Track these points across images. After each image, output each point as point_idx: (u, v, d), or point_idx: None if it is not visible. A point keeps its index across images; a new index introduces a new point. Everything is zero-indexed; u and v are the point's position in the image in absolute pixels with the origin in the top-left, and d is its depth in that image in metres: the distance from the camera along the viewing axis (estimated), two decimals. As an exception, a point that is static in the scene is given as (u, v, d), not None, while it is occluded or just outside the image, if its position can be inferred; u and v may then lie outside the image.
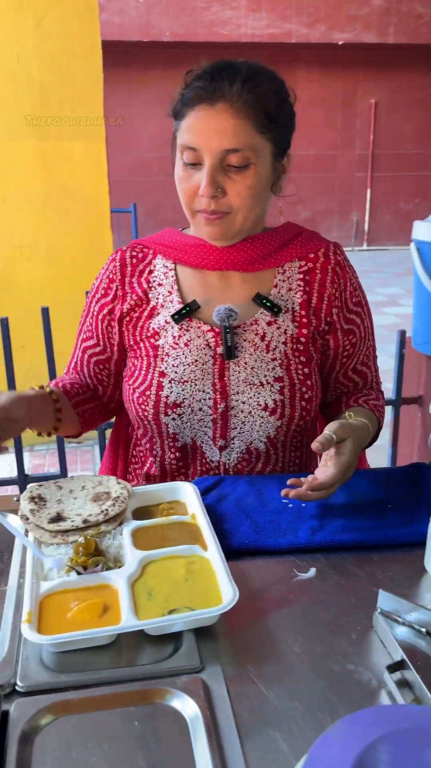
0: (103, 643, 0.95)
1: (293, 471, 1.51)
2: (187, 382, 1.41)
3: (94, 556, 1.08)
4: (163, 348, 1.44)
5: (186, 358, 1.42)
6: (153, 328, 1.46)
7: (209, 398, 1.42)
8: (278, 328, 1.44)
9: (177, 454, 1.48)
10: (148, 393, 1.43)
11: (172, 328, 1.44)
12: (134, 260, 1.50)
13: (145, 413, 1.44)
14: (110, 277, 1.50)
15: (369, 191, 12.54)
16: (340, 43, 11.20)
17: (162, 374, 1.42)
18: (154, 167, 11.11)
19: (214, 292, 1.46)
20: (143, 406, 1.44)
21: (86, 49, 3.87)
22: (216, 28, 10.72)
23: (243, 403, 1.41)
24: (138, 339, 1.47)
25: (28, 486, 1.25)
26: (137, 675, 0.90)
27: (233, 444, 1.44)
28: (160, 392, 1.42)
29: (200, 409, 1.42)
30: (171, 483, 1.32)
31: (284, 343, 1.44)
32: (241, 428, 1.43)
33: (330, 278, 1.46)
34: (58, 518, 1.15)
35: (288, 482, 1.25)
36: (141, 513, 1.25)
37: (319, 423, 1.62)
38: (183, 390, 1.41)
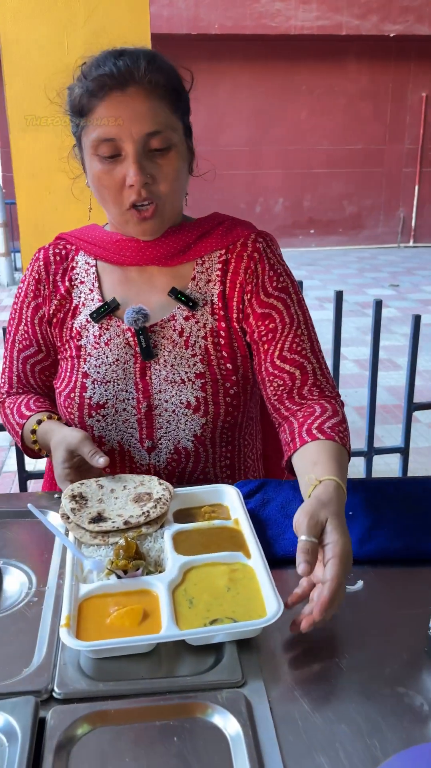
0: (142, 651, 0.92)
1: (224, 467, 1.45)
2: (110, 382, 1.37)
3: (134, 560, 1.05)
4: (85, 348, 1.40)
5: (107, 357, 1.37)
6: (75, 328, 1.41)
7: (132, 398, 1.37)
8: (197, 322, 1.37)
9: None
10: (72, 395, 1.38)
11: (93, 327, 1.39)
12: (57, 258, 1.44)
13: (72, 416, 1.39)
14: (36, 277, 1.45)
15: (417, 187, 12.27)
16: (392, 35, 10.96)
17: (85, 375, 1.38)
18: (199, 160, 11.00)
19: (134, 288, 1.40)
20: (69, 409, 1.39)
21: (136, 42, 3.84)
22: (266, 20, 10.59)
23: (166, 401, 1.36)
24: (64, 340, 1.43)
25: (71, 484, 1.23)
26: (176, 687, 0.87)
27: (161, 445, 1.38)
28: (84, 393, 1.37)
29: (124, 410, 1.37)
30: (214, 485, 1.29)
31: (204, 337, 1.37)
32: (167, 428, 1.37)
33: (245, 265, 1.37)
34: (99, 518, 1.13)
35: (289, 601, 0.98)
36: (182, 515, 1.22)
37: (265, 417, 1.53)
38: (106, 390, 1.37)
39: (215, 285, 1.38)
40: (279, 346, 1.35)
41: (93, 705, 0.84)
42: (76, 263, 1.44)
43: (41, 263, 1.45)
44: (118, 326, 1.38)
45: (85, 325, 1.40)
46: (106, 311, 1.38)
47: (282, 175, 11.62)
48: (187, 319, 1.37)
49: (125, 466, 1.42)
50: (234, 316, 1.38)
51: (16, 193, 3.42)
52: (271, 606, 0.94)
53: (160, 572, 1.04)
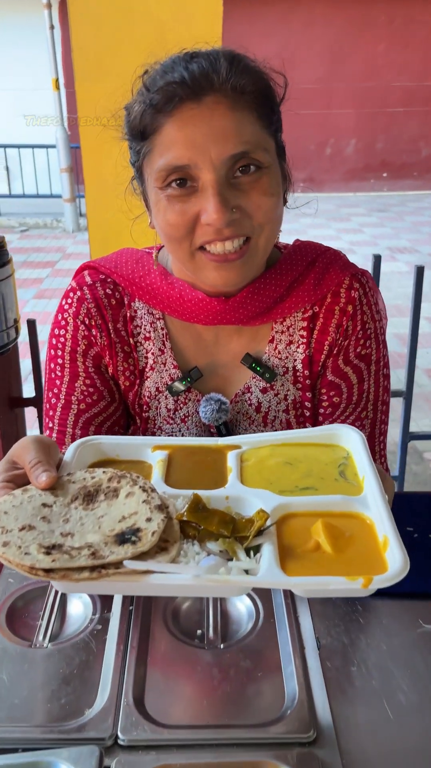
0: None
1: None
2: None
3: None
4: (154, 421, 1.19)
5: (181, 434, 1.18)
6: (144, 397, 1.18)
7: None
8: (276, 394, 1.18)
9: None
10: None
11: (166, 399, 1.18)
12: (113, 301, 1.16)
13: None
14: (85, 321, 1.15)
15: None
16: None
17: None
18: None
19: (208, 352, 1.18)
20: None
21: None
22: None
23: None
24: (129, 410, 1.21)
25: None
26: (243, 740, 0.83)
27: None
28: None
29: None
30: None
31: (285, 411, 1.18)
32: None
33: (336, 322, 1.15)
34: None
35: None
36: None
37: None
38: None
39: (298, 348, 1.18)
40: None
41: (158, 757, 0.81)
42: (136, 312, 1.17)
43: (91, 305, 1.15)
44: (197, 400, 1.18)
45: (156, 395, 1.19)
46: (188, 384, 1.16)
47: (354, 114, 11.04)
48: (264, 391, 1.18)
49: None
50: (319, 381, 1.20)
51: (80, 137, 3.31)
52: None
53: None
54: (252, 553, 0.81)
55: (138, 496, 0.85)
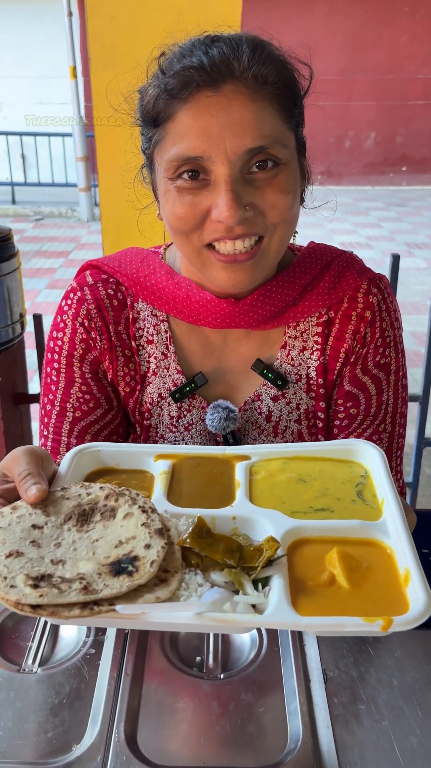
0: None
1: None
2: None
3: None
4: (156, 429, 1.13)
5: (185, 442, 1.12)
6: (145, 403, 1.12)
7: None
8: (288, 403, 1.11)
9: None
10: None
11: (169, 405, 1.12)
12: (114, 302, 1.10)
13: None
14: (84, 323, 1.09)
15: None
16: None
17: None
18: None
19: (216, 357, 1.12)
20: None
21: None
22: None
23: None
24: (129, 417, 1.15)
25: None
26: (242, 784, 0.77)
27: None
28: None
29: None
30: None
31: (296, 421, 1.12)
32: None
33: (353, 328, 1.08)
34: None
35: None
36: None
37: None
38: None
39: (312, 354, 1.11)
40: (352, 437, 1.11)
41: (148, 802, 0.75)
42: (138, 314, 1.11)
43: (91, 305, 1.09)
44: (202, 407, 1.12)
45: (158, 402, 1.12)
46: (192, 391, 1.11)
47: (375, 106, 10.87)
48: (275, 399, 1.11)
49: None
50: (335, 391, 1.14)
51: (95, 126, 3.23)
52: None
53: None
54: (260, 585, 0.74)
55: (137, 518, 0.78)
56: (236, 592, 0.73)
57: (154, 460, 0.92)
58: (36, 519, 0.79)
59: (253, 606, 0.71)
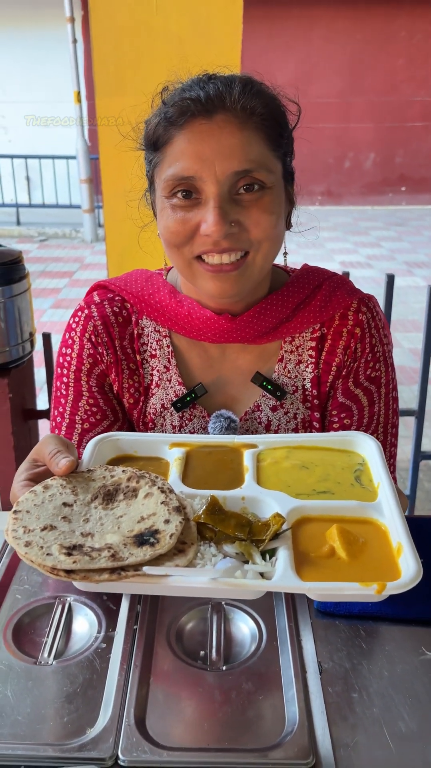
0: None
1: None
2: None
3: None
4: None
5: None
6: (149, 414, 1.20)
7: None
8: (286, 413, 1.19)
9: None
10: None
11: (171, 415, 1.20)
12: (119, 318, 1.19)
13: None
14: (92, 339, 1.18)
15: None
16: None
17: None
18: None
19: (216, 369, 1.21)
20: None
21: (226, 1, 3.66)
22: (365, -41, 9.93)
23: None
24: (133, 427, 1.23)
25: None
26: (242, 763, 0.84)
27: None
28: None
29: None
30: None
31: (294, 429, 1.20)
32: None
33: (344, 344, 1.18)
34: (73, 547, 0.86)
35: None
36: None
37: None
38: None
39: (307, 367, 1.20)
40: None
41: (157, 778, 0.82)
42: (143, 329, 1.20)
43: (98, 322, 1.18)
44: (203, 417, 1.20)
45: (161, 412, 1.21)
46: (192, 400, 1.19)
47: (373, 128, 11.05)
48: (274, 409, 1.20)
49: None
50: (329, 402, 1.22)
51: (100, 148, 3.34)
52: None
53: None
54: (268, 556, 0.84)
55: (156, 497, 0.88)
56: (246, 563, 0.83)
57: (168, 447, 1.03)
58: (66, 498, 0.88)
59: (261, 575, 0.81)
